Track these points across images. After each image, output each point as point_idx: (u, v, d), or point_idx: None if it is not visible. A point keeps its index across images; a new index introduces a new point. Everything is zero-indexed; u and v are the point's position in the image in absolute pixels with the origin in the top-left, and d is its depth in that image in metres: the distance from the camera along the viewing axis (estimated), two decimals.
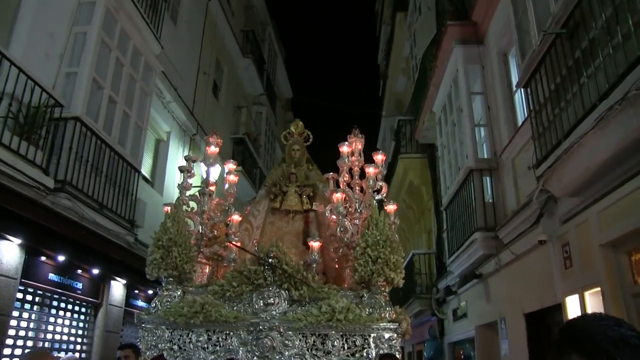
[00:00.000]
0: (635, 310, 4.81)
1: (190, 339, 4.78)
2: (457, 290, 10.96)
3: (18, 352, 7.11)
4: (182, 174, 5.80)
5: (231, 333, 4.75)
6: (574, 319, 1.22)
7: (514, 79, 8.11)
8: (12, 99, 6.51)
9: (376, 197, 5.46)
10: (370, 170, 5.54)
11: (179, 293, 5.05)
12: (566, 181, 5.50)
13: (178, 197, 5.70)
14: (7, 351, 6.74)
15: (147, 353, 4.73)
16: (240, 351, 4.67)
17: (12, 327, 6.98)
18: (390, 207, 5.47)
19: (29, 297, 7.50)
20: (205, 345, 4.74)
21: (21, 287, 7.13)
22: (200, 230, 5.54)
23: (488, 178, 8.62)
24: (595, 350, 1.04)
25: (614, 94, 4.32)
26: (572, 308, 5.74)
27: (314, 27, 47.78)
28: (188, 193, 5.75)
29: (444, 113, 10.65)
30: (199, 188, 5.86)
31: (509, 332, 7.99)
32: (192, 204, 5.74)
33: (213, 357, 4.69)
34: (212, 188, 5.82)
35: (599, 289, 5.20)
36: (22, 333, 7.27)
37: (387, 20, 20.76)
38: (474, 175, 8.59)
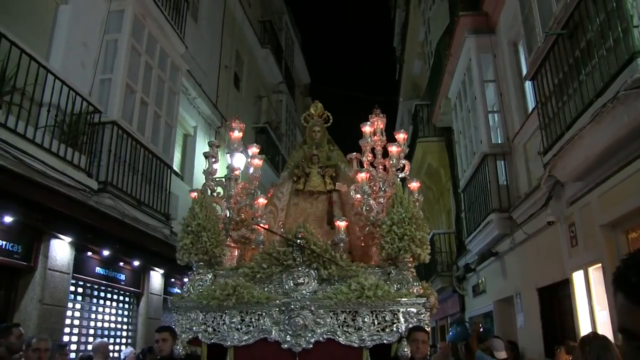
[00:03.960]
0: None
1: (223, 320, 4.86)
2: (476, 267, 11.46)
3: (74, 338, 7.87)
4: (206, 160, 5.86)
5: (263, 313, 4.82)
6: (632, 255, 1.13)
7: (524, 67, 8.49)
8: (58, 109, 7.10)
9: (399, 176, 5.54)
10: (393, 149, 5.59)
11: (210, 276, 5.13)
12: (570, 168, 5.96)
13: (204, 183, 5.76)
14: (65, 338, 7.47)
15: (183, 336, 4.84)
16: (273, 331, 4.77)
17: (68, 317, 7.71)
18: (414, 185, 5.50)
19: (79, 290, 8.21)
20: (239, 326, 4.82)
21: (73, 281, 7.80)
22: (228, 215, 5.57)
23: (501, 162, 9.05)
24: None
25: (607, 92, 4.76)
26: (578, 282, 6.26)
27: (329, 10, 47.84)
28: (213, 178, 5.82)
29: (459, 99, 11.05)
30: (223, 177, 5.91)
31: (524, 305, 8.51)
32: (218, 189, 5.80)
33: (247, 337, 4.78)
34: (237, 172, 5.85)
35: (600, 265, 5.72)
36: (76, 322, 8.02)
37: (401, 5, 21.00)
38: (488, 160, 9.04)
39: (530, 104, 8.32)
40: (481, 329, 8.70)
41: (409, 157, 16.00)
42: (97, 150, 7.94)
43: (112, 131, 8.16)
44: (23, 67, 6.24)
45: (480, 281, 11.44)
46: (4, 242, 6.47)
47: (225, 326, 4.86)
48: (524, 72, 8.25)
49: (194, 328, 4.90)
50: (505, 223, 8.74)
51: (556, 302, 7.56)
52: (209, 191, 5.66)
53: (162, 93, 10.14)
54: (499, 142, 9.30)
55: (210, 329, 4.89)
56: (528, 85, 8.41)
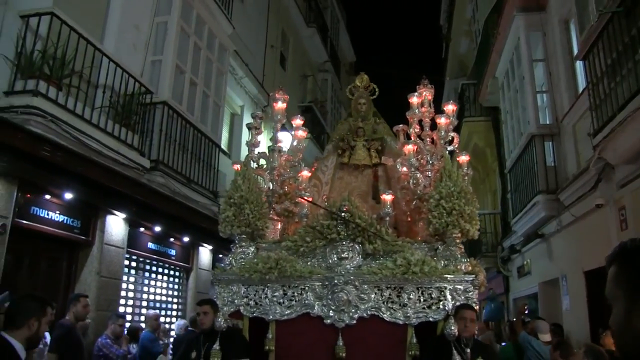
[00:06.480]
0: None
1: (265, 294, 4.76)
2: (521, 249, 11.36)
3: (129, 309, 8.28)
4: (249, 132, 5.73)
5: (306, 288, 4.70)
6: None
7: (575, 46, 8.30)
8: (112, 90, 7.37)
9: (448, 148, 5.29)
10: (442, 120, 5.33)
11: (252, 249, 5.00)
12: (621, 150, 5.86)
13: (247, 155, 5.63)
14: (121, 309, 7.87)
15: (224, 309, 4.73)
16: (316, 305, 4.66)
17: (123, 289, 8.10)
18: (463, 158, 5.26)
19: (133, 264, 8.61)
20: (281, 300, 4.72)
21: (127, 255, 8.17)
22: (271, 187, 5.48)
23: (549, 143, 8.91)
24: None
25: None
26: None
27: None
28: (257, 150, 5.68)
29: (506, 79, 10.88)
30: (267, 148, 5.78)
31: (570, 288, 8.43)
32: (262, 161, 5.67)
33: (289, 311, 4.69)
34: (280, 144, 5.70)
35: None
36: (130, 294, 8.42)
37: None
38: (535, 140, 8.92)
39: (581, 84, 8.14)
40: (526, 311, 8.69)
41: None
42: (149, 129, 8.20)
43: (163, 111, 8.41)
44: (80, 51, 6.51)
45: (525, 262, 11.35)
46: (65, 218, 6.83)
47: (267, 300, 4.76)
48: (575, 51, 8.07)
49: (236, 301, 4.79)
50: (552, 205, 8.64)
51: (603, 285, 7.44)
52: (252, 163, 5.52)
53: (211, 73, 10.35)
54: (547, 122, 9.15)
55: (252, 303, 4.78)
56: (579, 64, 8.23)
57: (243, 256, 4.97)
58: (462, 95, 15.77)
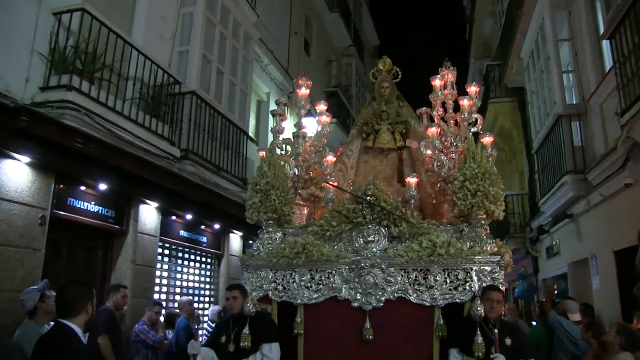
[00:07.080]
0: None
1: (293, 278, 4.83)
2: (550, 229, 11.32)
3: (163, 296, 8.53)
4: (274, 118, 5.81)
5: (333, 271, 4.76)
6: None
7: (602, 24, 8.19)
8: (142, 82, 7.53)
9: (472, 130, 5.29)
10: (465, 102, 5.33)
11: (279, 235, 5.07)
12: None
13: (272, 142, 5.72)
14: (156, 296, 8.13)
15: (253, 294, 4.81)
16: (344, 289, 4.72)
17: (157, 277, 8.34)
18: (487, 139, 5.22)
19: (166, 251, 8.84)
20: (309, 285, 4.79)
21: (160, 243, 8.38)
22: (296, 173, 5.52)
23: (576, 123, 8.85)
24: None
25: None
26: None
27: None
28: (282, 137, 5.73)
29: (531, 59, 10.79)
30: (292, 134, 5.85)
31: (600, 268, 8.40)
32: (287, 147, 5.74)
33: (317, 295, 4.75)
34: (305, 130, 5.74)
35: None
36: (164, 281, 8.68)
37: None
38: (562, 120, 8.86)
39: (608, 63, 8.05)
40: (556, 291, 8.70)
41: None
42: (178, 119, 8.33)
43: (192, 101, 8.52)
44: (110, 44, 6.65)
45: (554, 243, 11.32)
46: (100, 208, 7.06)
47: (295, 284, 4.83)
48: (602, 30, 7.97)
49: (264, 286, 4.88)
50: (580, 185, 8.60)
51: (634, 264, 7.43)
52: (277, 149, 5.58)
53: (237, 62, 10.45)
54: (574, 102, 9.08)
55: (280, 287, 4.86)
56: (605, 43, 8.13)
57: (270, 242, 5.05)
58: (487, 77, 15.64)
